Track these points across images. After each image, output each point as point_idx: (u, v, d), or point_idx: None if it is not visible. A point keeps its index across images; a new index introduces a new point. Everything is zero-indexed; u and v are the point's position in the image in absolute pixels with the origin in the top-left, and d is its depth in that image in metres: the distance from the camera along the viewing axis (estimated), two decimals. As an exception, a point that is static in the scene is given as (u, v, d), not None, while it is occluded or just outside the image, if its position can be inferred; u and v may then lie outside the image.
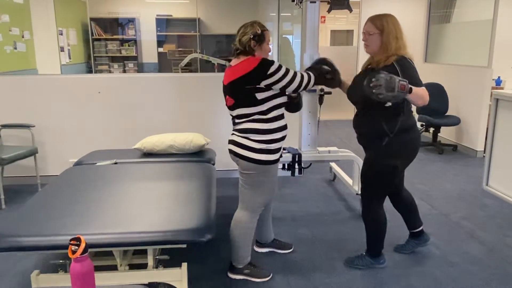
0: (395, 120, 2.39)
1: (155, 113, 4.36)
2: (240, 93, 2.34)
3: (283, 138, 2.46)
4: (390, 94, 2.14)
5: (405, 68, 2.34)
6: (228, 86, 2.39)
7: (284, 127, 2.46)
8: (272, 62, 2.32)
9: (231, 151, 2.46)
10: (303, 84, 2.41)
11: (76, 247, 1.32)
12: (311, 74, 2.49)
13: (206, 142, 3.51)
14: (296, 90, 2.40)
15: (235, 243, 2.55)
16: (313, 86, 2.49)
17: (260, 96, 2.32)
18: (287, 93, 2.42)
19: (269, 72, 2.28)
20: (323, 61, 2.69)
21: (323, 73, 2.57)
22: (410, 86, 2.19)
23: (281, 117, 2.44)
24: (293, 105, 2.61)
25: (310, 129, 3.76)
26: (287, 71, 2.34)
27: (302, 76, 2.40)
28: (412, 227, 2.90)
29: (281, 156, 2.53)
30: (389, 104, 2.32)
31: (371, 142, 2.51)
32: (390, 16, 2.42)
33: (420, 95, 2.27)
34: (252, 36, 2.34)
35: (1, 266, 2.75)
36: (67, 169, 3.06)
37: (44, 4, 5.96)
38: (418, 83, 2.32)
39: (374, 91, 2.15)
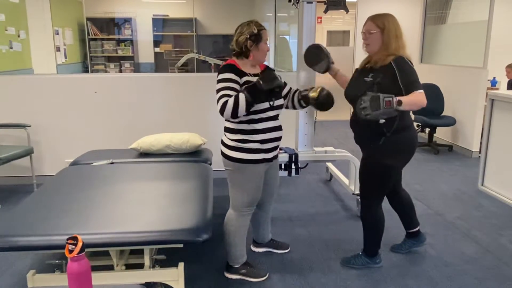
0: (392, 120, 2.39)
1: (152, 113, 4.35)
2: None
3: (264, 142, 2.40)
4: (376, 113, 2.16)
5: (402, 68, 2.34)
6: None
7: (264, 131, 2.39)
8: (224, 71, 2.31)
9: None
10: (223, 114, 2.23)
11: (73, 246, 1.32)
12: (230, 102, 2.21)
13: (202, 142, 3.52)
14: (220, 113, 2.26)
15: (227, 242, 2.56)
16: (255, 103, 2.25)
17: None
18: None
19: (217, 78, 2.33)
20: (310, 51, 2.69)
21: (264, 91, 2.20)
22: (398, 99, 2.19)
23: (260, 120, 2.37)
24: (319, 104, 2.55)
25: (307, 129, 3.77)
26: (222, 89, 2.26)
27: (223, 106, 2.22)
28: (409, 227, 2.91)
29: (270, 160, 2.48)
30: (382, 121, 2.29)
31: (368, 142, 2.51)
32: (391, 15, 2.42)
33: (413, 103, 2.26)
34: (248, 36, 2.34)
35: (-4, 266, 2.74)
36: (63, 169, 3.05)
37: (40, 4, 5.93)
38: (414, 84, 2.31)
39: (362, 112, 2.19)
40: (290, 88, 2.65)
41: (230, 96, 2.25)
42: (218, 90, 2.30)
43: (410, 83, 2.31)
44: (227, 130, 2.45)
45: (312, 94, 2.52)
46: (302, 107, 2.62)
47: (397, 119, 2.40)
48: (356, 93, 2.41)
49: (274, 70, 2.32)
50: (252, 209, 2.55)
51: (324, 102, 2.52)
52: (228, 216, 2.55)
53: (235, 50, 2.40)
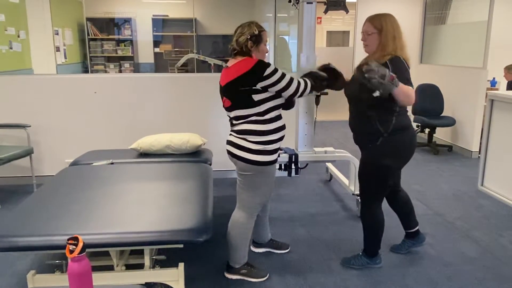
0: (389, 120, 2.40)
1: (152, 113, 4.35)
2: (236, 94, 2.33)
3: (281, 139, 2.45)
4: (380, 80, 2.15)
5: (397, 66, 2.34)
6: (225, 87, 2.38)
7: (281, 128, 2.44)
8: (268, 64, 2.31)
9: (229, 152, 2.45)
10: (300, 91, 2.39)
11: (74, 247, 1.32)
12: (308, 81, 2.47)
13: (202, 142, 3.52)
14: (292, 96, 2.39)
15: (233, 243, 2.55)
16: (310, 93, 2.49)
17: (256, 97, 2.30)
18: (283, 97, 2.40)
19: (265, 74, 2.27)
20: (324, 67, 2.68)
21: (319, 79, 2.56)
22: (398, 81, 2.20)
23: (278, 118, 2.43)
24: (286, 103, 2.58)
25: (307, 129, 3.77)
26: (283, 75, 2.33)
27: (298, 83, 2.39)
28: (408, 227, 2.91)
29: (278, 156, 2.52)
30: (377, 94, 2.26)
31: (366, 142, 2.52)
32: (389, 15, 2.41)
33: (405, 93, 2.25)
34: (249, 37, 2.33)
35: (-4, 266, 2.74)
36: (63, 169, 3.05)
37: (40, 4, 5.93)
38: (406, 82, 2.30)
39: (366, 75, 2.17)
40: None
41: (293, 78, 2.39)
42: (281, 77, 2.31)
43: (403, 80, 2.30)
44: (248, 132, 2.36)
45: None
46: None
47: (394, 119, 2.40)
48: (353, 92, 2.43)
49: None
50: (261, 208, 2.57)
51: (287, 104, 2.59)
52: (237, 218, 2.53)
53: (235, 50, 2.39)
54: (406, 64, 2.39)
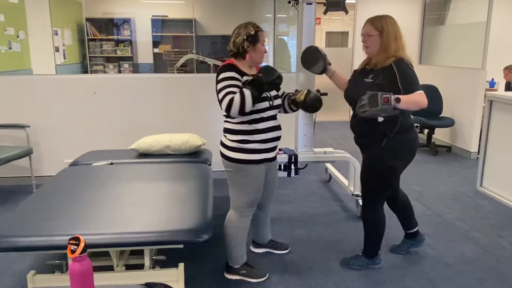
0: (394, 121, 2.39)
1: (151, 113, 4.35)
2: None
3: (265, 141, 2.41)
4: (375, 109, 2.20)
5: (402, 69, 2.35)
6: None
7: (265, 130, 2.40)
8: (225, 70, 2.32)
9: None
10: (230, 112, 2.22)
11: (75, 247, 1.32)
12: (237, 98, 2.20)
13: (202, 143, 3.52)
14: (226, 112, 2.25)
15: (227, 242, 2.56)
16: (255, 101, 2.25)
17: None
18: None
19: (218, 78, 2.33)
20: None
21: (265, 82, 2.22)
22: (396, 96, 2.21)
23: (260, 120, 2.38)
24: (307, 107, 2.55)
25: (306, 130, 3.77)
26: (224, 88, 2.26)
27: (228, 105, 2.21)
28: (408, 227, 2.91)
29: (270, 160, 2.50)
30: (381, 119, 2.34)
31: (371, 143, 2.51)
32: (389, 17, 2.43)
33: (412, 102, 2.27)
34: (245, 37, 2.35)
35: (-4, 267, 2.73)
36: (63, 170, 3.05)
37: (39, 4, 5.93)
38: (414, 87, 2.32)
39: (361, 110, 2.23)
40: (283, 92, 2.69)
41: (234, 93, 2.25)
42: (221, 89, 2.28)
43: (410, 84, 2.32)
44: (227, 131, 2.45)
45: (299, 98, 2.53)
46: (293, 111, 2.66)
47: (399, 120, 2.40)
48: (356, 94, 2.42)
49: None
50: (253, 209, 2.55)
51: (311, 104, 2.54)
52: (229, 217, 2.56)
53: (232, 51, 2.41)
54: (411, 64, 2.40)
